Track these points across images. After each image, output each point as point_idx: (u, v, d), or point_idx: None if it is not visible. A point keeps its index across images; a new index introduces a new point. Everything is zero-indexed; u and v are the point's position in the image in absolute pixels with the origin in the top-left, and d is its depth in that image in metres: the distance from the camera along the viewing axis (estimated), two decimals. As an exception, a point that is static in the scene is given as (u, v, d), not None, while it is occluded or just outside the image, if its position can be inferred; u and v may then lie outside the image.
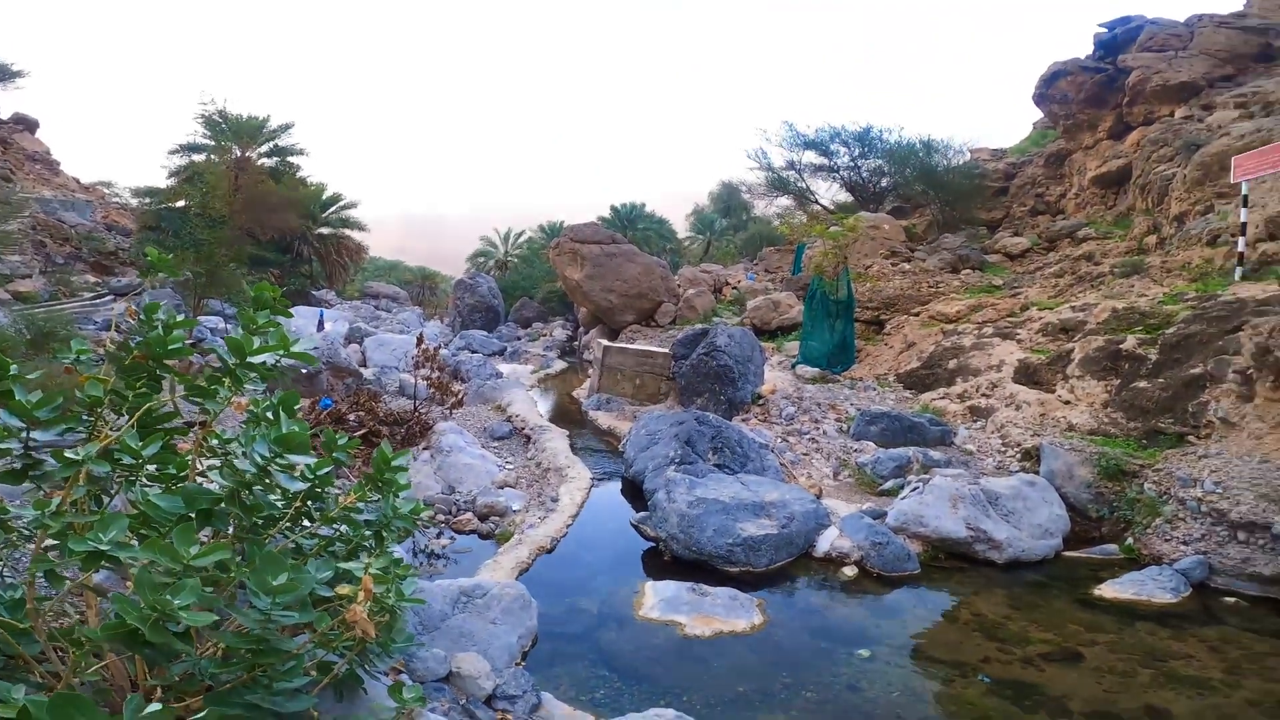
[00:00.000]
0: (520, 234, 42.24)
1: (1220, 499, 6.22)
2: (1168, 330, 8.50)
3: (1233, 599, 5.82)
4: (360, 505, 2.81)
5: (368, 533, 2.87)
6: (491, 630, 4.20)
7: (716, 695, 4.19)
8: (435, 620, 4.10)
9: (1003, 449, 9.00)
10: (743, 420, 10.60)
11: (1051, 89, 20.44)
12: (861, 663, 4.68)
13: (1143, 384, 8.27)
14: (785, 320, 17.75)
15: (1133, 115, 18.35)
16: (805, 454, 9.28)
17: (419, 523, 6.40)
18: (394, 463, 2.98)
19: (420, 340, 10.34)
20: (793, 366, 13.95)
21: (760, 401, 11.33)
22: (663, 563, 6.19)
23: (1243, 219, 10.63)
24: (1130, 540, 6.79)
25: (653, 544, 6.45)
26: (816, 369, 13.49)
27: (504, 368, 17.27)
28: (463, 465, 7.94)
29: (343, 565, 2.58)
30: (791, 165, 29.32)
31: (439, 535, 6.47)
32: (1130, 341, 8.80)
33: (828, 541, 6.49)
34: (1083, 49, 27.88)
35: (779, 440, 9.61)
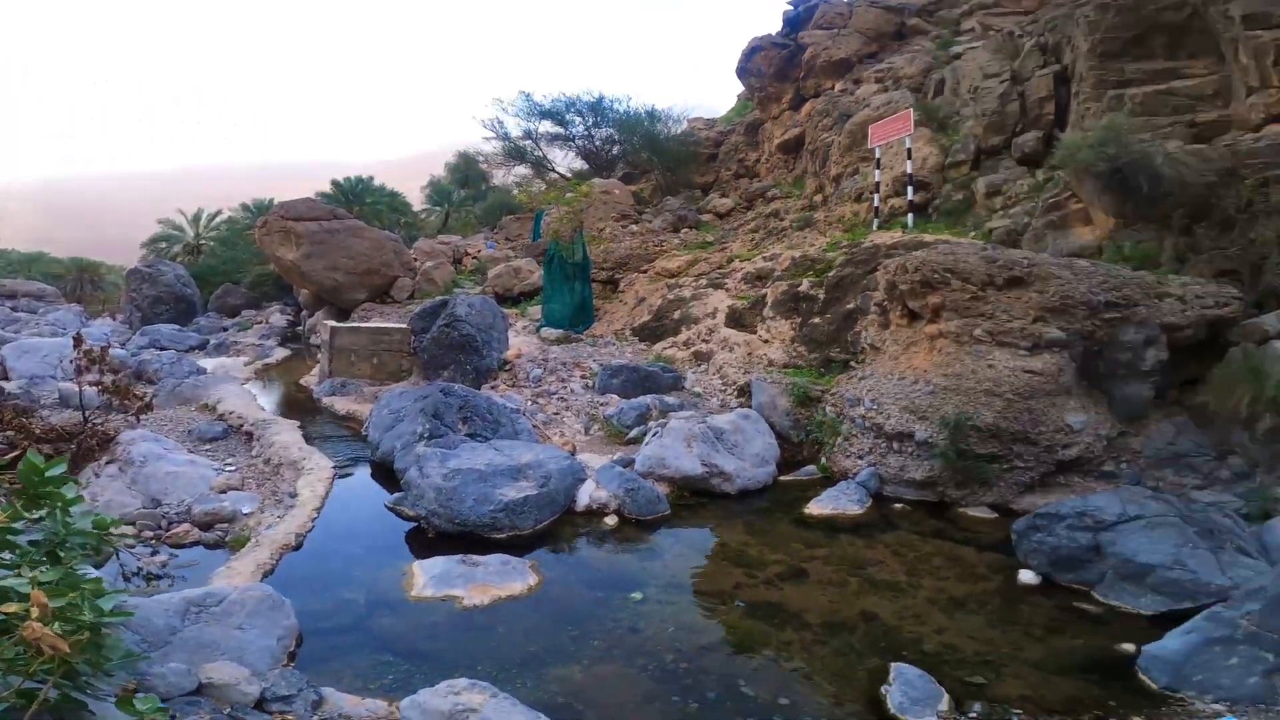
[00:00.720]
0: (216, 214, 37.14)
1: (877, 414, 7.73)
2: (830, 273, 10.32)
3: (899, 504, 7.04)
4: (17, 525, 2.59)
5: (38, 555, 2.65)
6: (240, 636, 4.03)
7: (508, 659, 4.32)
8: (162, 635, 3.81)
9: (723, 388, 10.28)
10: (491, 388, 10.79)
11: (750, 63, 22.72)
12: (636, 605, 5.06)
13: (816, 320, 10.00)
14: (527, 286, 18.11)
15: (807, 88, 21.15)
16: (556, 414, 9.77)
17: (124, 543, 5.72)
18: (49, 474, 2.76)
19: (79, 341, 8.66)
20: (537, 330, 14.40)
21: (507, 367, 11.60)
22: (428, 540, 6.17)
23: (877, 179, 13.19)
24: (824, 460, 8.02)
25: (414, 523, 6.42)
26: (560, 330, 14.08)
27: (208, 363, 15.42)
28: (166, 474, 7.14)
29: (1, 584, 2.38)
30: (528, 135, 29.53)
31: (154, 554, 5.83)
32: (805, 284, 10.54)
33: (587, 495, 6.87)
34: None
35: (529, 403, 9.98)
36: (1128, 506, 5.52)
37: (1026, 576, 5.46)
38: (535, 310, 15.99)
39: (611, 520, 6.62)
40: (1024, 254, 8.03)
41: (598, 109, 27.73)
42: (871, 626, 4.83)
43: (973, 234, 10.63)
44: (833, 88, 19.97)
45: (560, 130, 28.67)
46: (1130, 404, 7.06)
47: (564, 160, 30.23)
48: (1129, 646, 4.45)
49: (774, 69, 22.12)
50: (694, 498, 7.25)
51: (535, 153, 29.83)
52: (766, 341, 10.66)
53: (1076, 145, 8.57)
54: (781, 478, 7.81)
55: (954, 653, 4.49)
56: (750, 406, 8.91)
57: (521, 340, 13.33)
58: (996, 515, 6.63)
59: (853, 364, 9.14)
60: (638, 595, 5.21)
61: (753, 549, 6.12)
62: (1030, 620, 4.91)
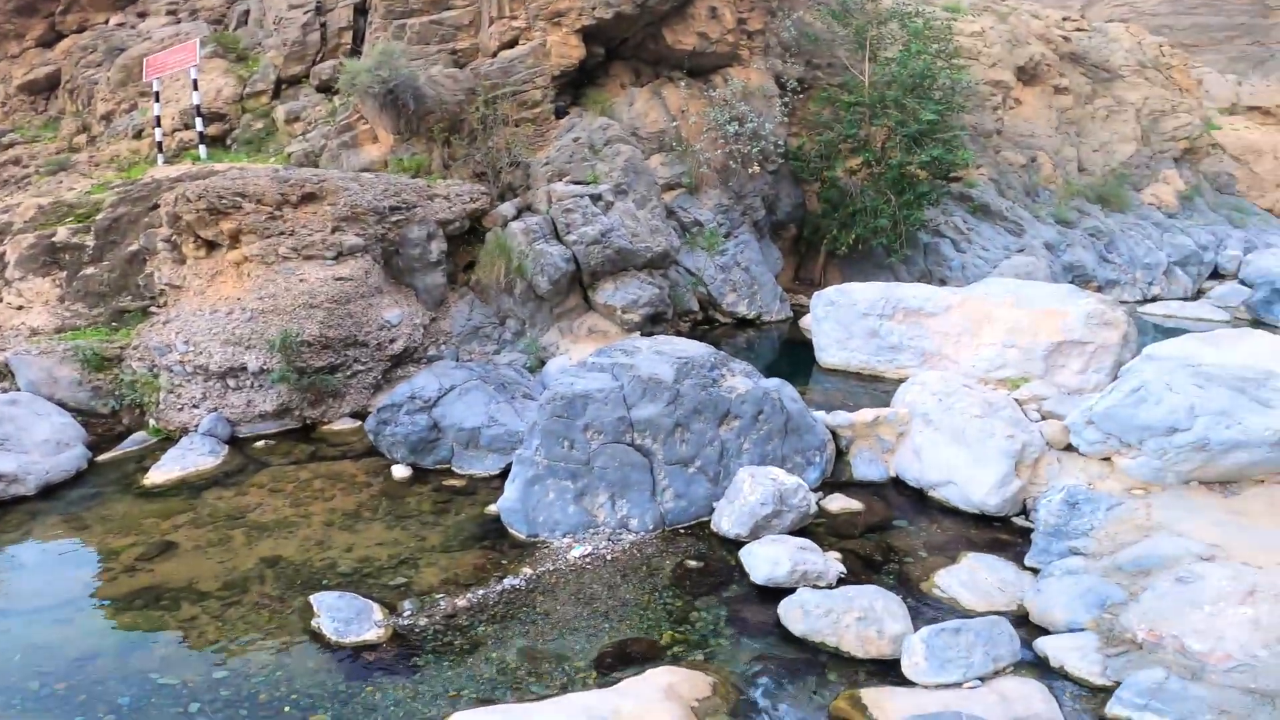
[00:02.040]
0: None
1: (197, 356, 6.91)
2: (99, 217, 8.30)
3: (262, 441, 6.63)
4: None
5: None
6: None
7: None
8: None
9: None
10: None
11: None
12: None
13: (90, 270, 8.02)
14: None
15: (66, 24, 16.59)
16: None
17: None
18: None
19: None
20: None
21: None
22: None
23: (157, 113, 11.44)
24: (152, 421, 6.91)
25: None
26: None
27: None
28: None
29: None
30: None
31: None
32: (63, 233, 8.25)
33: None
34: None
35: None
36: (442, 380, 6.50)
37: (399, 471, 6.03)
38: None
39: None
40: (314, 172, 8.15)
41: None
42: (279, 569, 4.71)
43: (272, 159, 10.22)
44: (106, 21, 16.34)
45: None
46: (432, 293, 8.18)
47: None
48: (494, 508, 5.41)
49: (13, 4, 16.75)
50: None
51: None
52: (21, 308, 8.00)
53: (356, 70, 8.96)
54: (101, 457, 6.54)
55: (369, 564, 4.74)
56: (19, 389, 6.82)
57: None
58: (359, 422, 6.99)
59: (153, 309, 7.82)
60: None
61: (95, 540, 5.17)
62: (419, 510, 5.52)
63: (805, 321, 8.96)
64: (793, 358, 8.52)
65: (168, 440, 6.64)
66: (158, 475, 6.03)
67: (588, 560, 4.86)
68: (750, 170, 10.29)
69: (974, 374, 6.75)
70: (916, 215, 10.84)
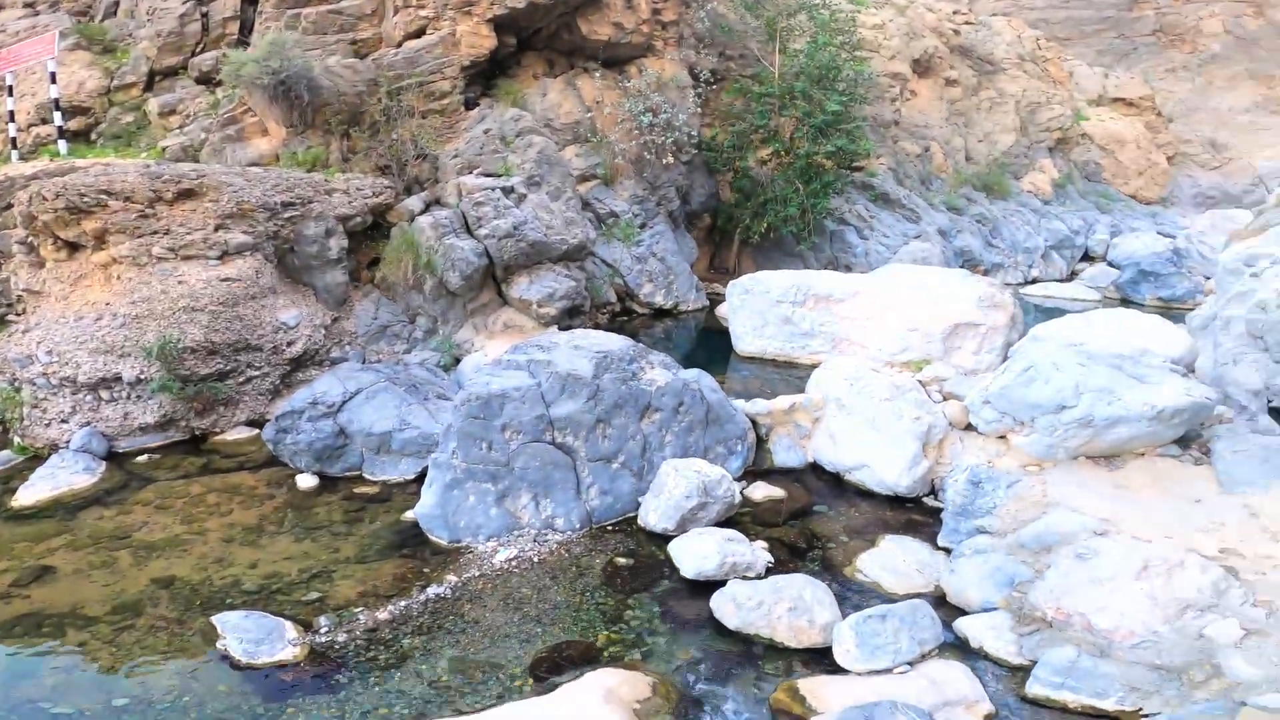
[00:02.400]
0: None
1: (63, 367, 6.25)
2: (-70, 210, 7.29)
3: (146, 455, 6.08)
4: None
5: None
6: None
7: None
8: None
9: None
10: None
11: None
12: None
13: (-72, 273, 7.03)
14: None
15: None
16: None
17: None
18: None
19: None
20: None
21: None
22: None
23: (10, 107, 10.35)
24: (17, 439, 6.24)
25: None
26: None
27: None
28: None
29: None
30: None
31: None
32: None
33: None
34: None
35: None
36: (346, 384, 6.14)
37: (305, 481, 5.65)
38: None
39: None
40: (193, 167, 7.51)
41: None
42: (174, 591, 4.36)
43: (144, 154, 9.39)
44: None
45: None
46: (333, 291, 7.69)
47: None
48: (411, 514, 5.15)
49: None
50: None
51: None
52: None
53: (242, 60, 8.32)
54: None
55: (277, 580, 4.43)
56: None
57: None
58: (257, 431, 6.52)
59: (12, 318, 7.00)
60: None
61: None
62: (330, 520, 5.18)
63: (721, 310, 9.03)
64: (710, 346, 8.57)
65: (36, 459, 6.05)
66: (27, 496, 5.52)
67: (514, 564, 4.72)
68: (664, 161, 10.26)
69: (881, 358, 6.98)
70: (823, 204, 11.12)
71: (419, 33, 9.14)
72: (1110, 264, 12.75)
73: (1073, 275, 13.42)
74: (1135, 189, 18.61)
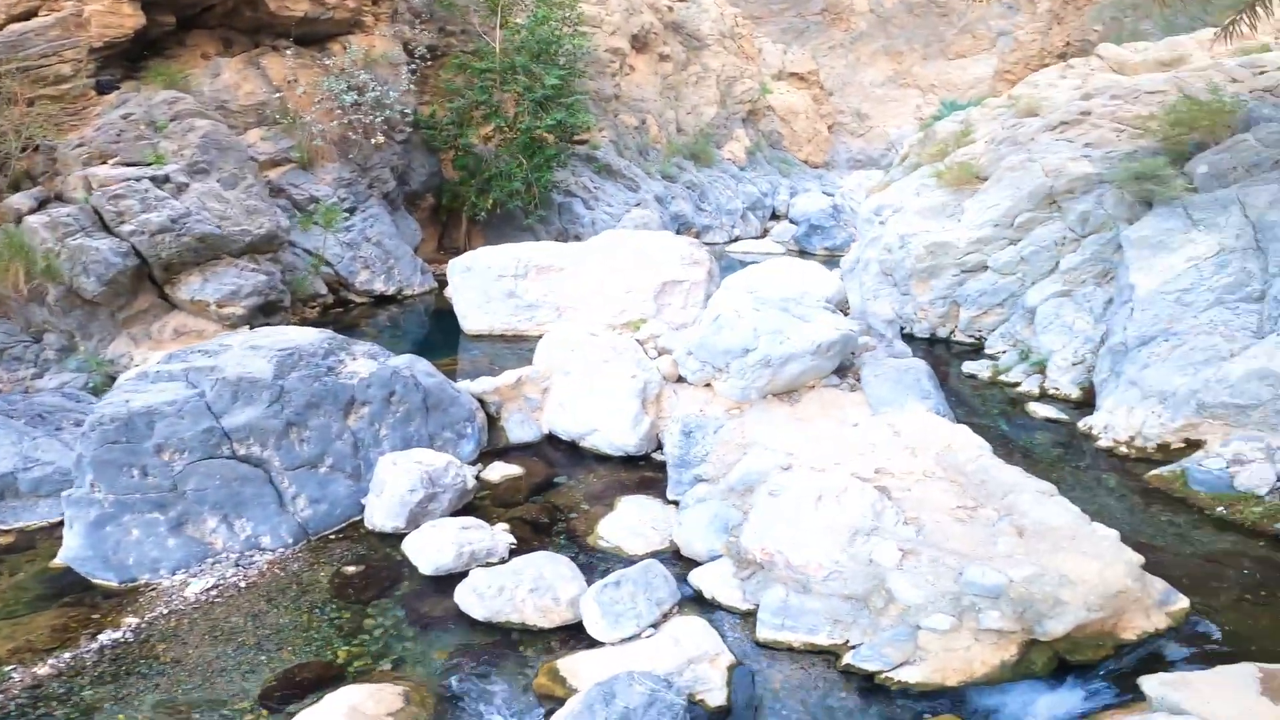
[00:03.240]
0: None
1: None
2: None
3: None
4: None
5: None
6: None
7: None
8: None
9: None
10: None
11: None
12: None
13: None
14: None
15: None
16: None
17: None
18: None
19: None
20: None
21: None
22: None
23: None
24: None
25: None
26: None
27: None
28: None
29: None
30: None
31: None
32: None
33: None
34: None
35: None
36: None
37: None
38: None
39: None
40: None
41: None
42: None
43: None
44: None
45: None
46: (-75, 313, 5.85)
47: None
48: (60, 561, 4.19)
49: None
50: None
51: None
52: None
53: None
54: None
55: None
56: None
57: None
58: None
59: None
60: None
61: None
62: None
63: (450, 291, 8.61)
64: (442, 329, 8.10)
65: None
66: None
67: (214, 594, 4.03)
68: (374, 141, 9.40)
69: (605, 321, 7.12)
70: (547, 177, 11.09)
71: (27, 15, 7.25)
72: (791, 221, 14.58)
73: (765, 233, 15.11)
74: (807, 155, 21.49)
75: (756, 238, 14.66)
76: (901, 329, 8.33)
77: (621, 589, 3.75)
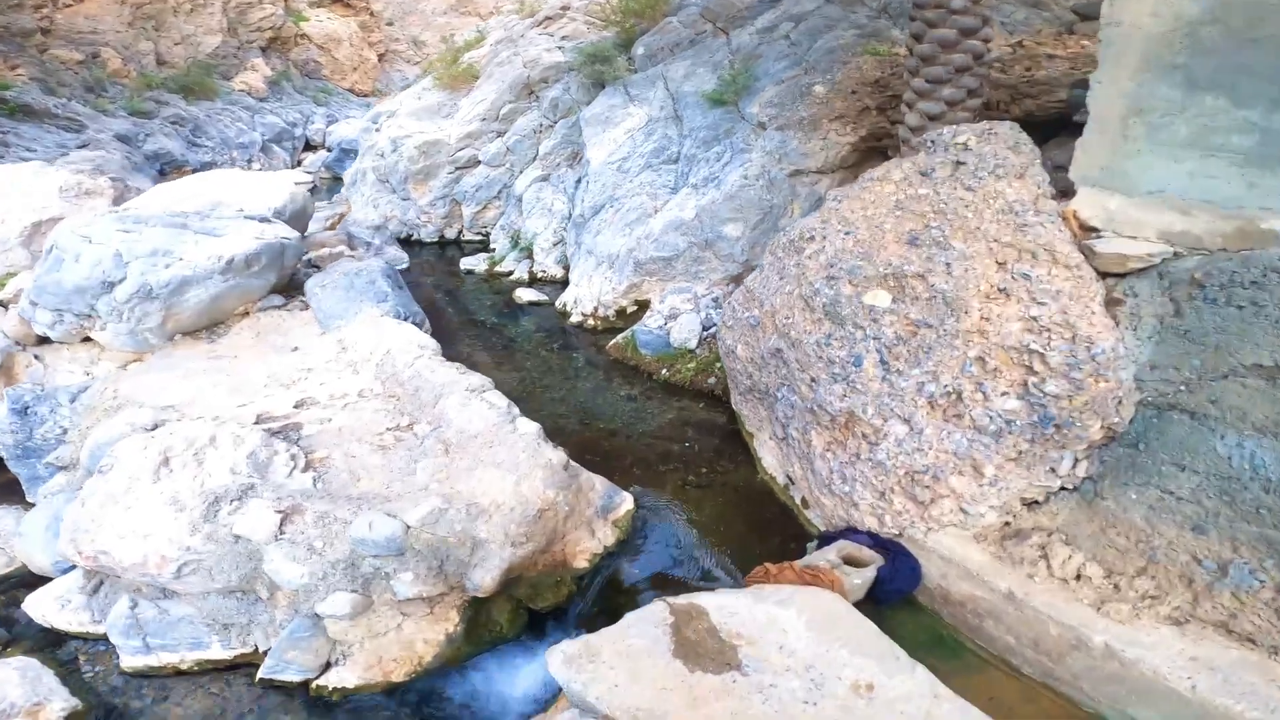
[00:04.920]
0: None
1: None
2: None
3: None
4: None
5: None
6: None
7: None
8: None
9: None
10: None
11: None
12: None
13: None
14: None
15: None
16: None
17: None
18: None
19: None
20: None
21: None
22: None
23: None
24: None
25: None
26: None
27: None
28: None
29: None
30: None
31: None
32: None
33: None
34: None
35: None
36: None
37: None
38: None
39: None
40: None
41: None
42: None
43: None
44: None
45: None
46: None
47: None
48: None
49: None
50: None
51: None
52: None
53: None
54: None
55: None
56: None
57: None
58: None
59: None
60: None
61: None
62: None
63: None
64: None
65: None
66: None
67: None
68: None
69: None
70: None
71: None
72: (328, 149, 12.66)
73: (299, 164, 12.92)
74: (352, 82, 19.15)
75: (288, 169, 12.40)
76: (409, 235, 7.52)
77: None
